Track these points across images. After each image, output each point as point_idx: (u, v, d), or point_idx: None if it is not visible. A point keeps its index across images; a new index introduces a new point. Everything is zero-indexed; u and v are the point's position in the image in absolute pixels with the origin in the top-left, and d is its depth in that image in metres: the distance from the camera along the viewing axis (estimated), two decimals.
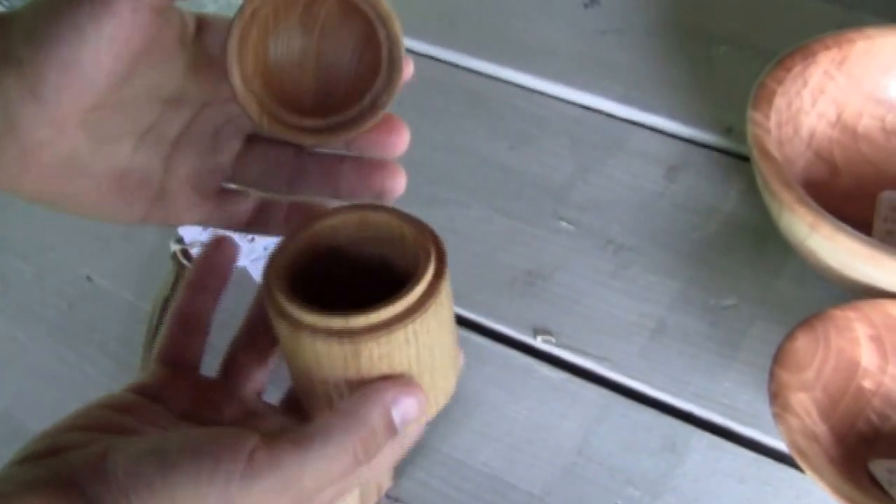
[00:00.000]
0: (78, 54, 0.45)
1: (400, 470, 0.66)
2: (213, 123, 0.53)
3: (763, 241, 0.77)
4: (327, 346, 0.46)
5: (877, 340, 0.63)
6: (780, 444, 0.66)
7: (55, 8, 0.45)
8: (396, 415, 0.47)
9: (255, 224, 0.57)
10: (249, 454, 0.43)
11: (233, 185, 0.55)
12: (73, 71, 0.45)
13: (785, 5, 0.99)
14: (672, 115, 0.89)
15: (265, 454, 0.44)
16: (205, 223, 0.55)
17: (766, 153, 0.68)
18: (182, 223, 0.55)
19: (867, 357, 0.63)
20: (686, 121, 0.88)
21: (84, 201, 0.51)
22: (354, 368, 0.46)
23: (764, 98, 0.72)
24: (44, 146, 0.46)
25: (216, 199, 0.55)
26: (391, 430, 0.47)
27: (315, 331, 0.46)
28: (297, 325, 0.46)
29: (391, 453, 0.48)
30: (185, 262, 0.78)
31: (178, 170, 0.53)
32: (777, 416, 0.58)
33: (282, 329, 0.47)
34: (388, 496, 0.65)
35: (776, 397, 0.59)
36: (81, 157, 0.48)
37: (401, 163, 0.53)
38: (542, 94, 0.94)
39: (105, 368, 0.74)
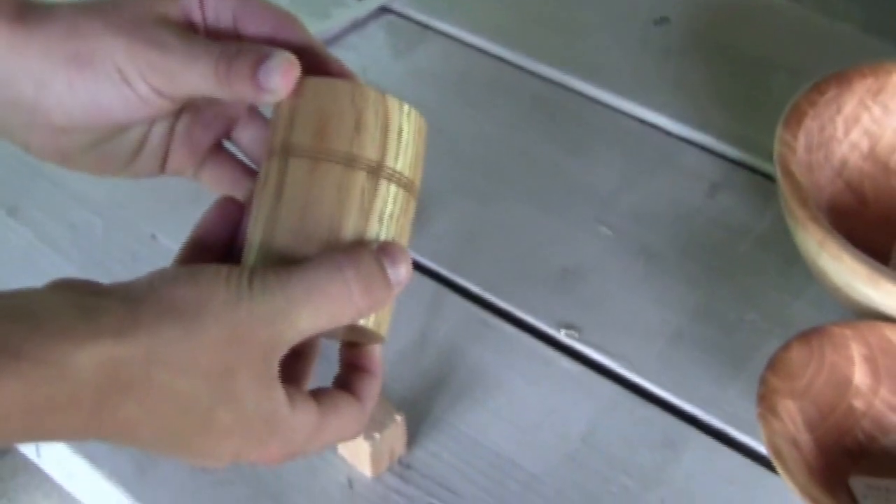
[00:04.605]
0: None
1: (414, 439, 0.71)
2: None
3: (789, 264, 0.80)
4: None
5: (871, 361, 0.65)
6: None
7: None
8: (391, 270, 0.48)
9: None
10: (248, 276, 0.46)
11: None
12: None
13: (849, 42, 1.02)
14: (721, 135, 0.92)
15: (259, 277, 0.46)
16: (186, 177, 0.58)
17: (788, 171, 0.70)
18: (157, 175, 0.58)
19: (860, 376, 0.65)
20: (734, 142, 0.91)
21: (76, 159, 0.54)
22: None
23: (794, 118, 0.74)
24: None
25: (205, 157, 0.58)
26: (386, 278, 0.48)
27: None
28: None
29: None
30: None
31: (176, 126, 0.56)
32: (761, 417, 0.61)
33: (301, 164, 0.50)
34: (400, 462, 0.70)
35: (763, 400, 0.62)
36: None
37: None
38: (602, 104, 0.97)
39: None
